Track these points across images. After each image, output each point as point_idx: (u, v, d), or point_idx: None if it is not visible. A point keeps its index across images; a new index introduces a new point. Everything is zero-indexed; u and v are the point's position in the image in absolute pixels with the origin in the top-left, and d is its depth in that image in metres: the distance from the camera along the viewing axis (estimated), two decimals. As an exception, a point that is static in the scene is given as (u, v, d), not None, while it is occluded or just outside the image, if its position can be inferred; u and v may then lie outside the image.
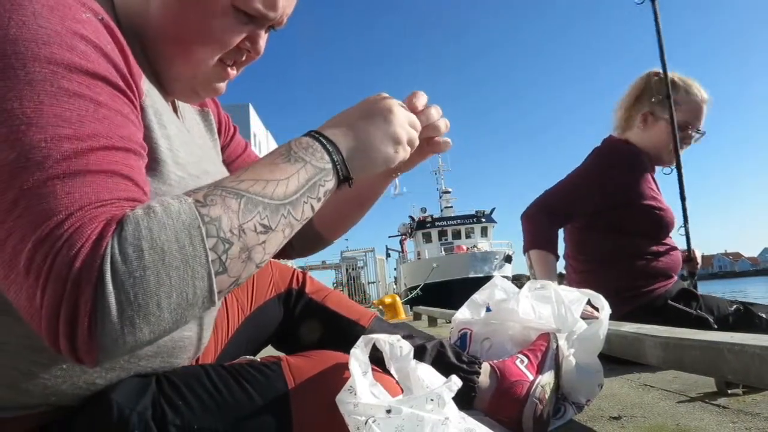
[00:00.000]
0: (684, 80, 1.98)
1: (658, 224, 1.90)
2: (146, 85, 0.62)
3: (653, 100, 1.95)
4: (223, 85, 0.73)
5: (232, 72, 0.72)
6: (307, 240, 0.94)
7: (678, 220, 2.00)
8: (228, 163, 0.94)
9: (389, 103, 0.67)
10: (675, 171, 2.03)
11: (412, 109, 0.72)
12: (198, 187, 0.53)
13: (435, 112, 0.75)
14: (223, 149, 0.94)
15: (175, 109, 0.78)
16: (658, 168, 2.03)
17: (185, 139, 0.69)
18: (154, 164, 0.60)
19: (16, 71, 0.47)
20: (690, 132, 1.96)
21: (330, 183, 0.60)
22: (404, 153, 0.68)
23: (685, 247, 2.06)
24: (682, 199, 2.06)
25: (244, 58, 0.72)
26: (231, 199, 0.51)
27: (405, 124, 0.68)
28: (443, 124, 0.77)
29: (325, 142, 0.61)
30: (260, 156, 1.00)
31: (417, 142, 0.70)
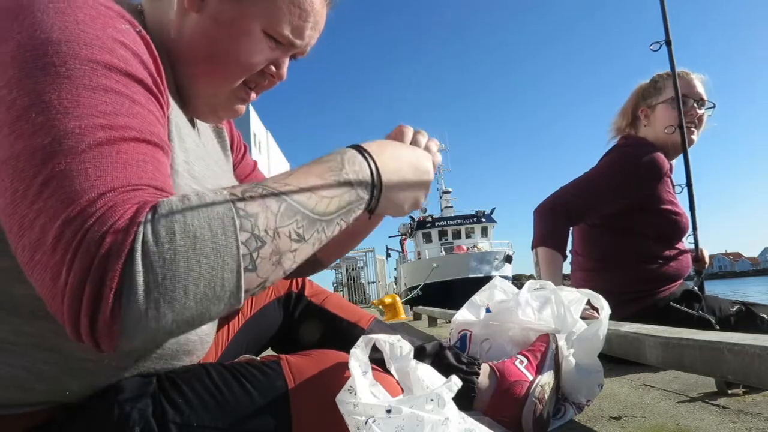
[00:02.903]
0: (666, 71, 2.00)
1: (672, 229, 1.89)
2: (170, 99, 0.64)
3: (646, 96, 1.99)
4: (242, 108, 0.76)
5: (252, 95, 0.75)
6: (307, 263, 0.94)
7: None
8: (240, 179, 0.96)
9: (430, 164, 0.72)
10: (685, 189, 2.04)
11: (419, 145, 0.75)
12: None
13: (423, 139, 0.77)
14: (235, 167, 0.96)
15: (193, 126, 0.80)
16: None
17: (201, 154, 0.71)
18: (172, 175, 0.60)
19: (57, 68, 0.48)
20: (692, 104, 1.94)
21: (360, 212, 0.61)
22: (413, 208, 0.71)
23: (691, 244, 2.06)
24: (689, 184, 2.05)
25: (266, 83, 0.75)
26: (272, 200, 0.51)
27: (428, 184, 0.71)
28: (433, 145, 0.79)
29: (375, 177, 0.62)
30: (262, 171, 1.02)
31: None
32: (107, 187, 0.45)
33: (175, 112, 0.65)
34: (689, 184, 2.03)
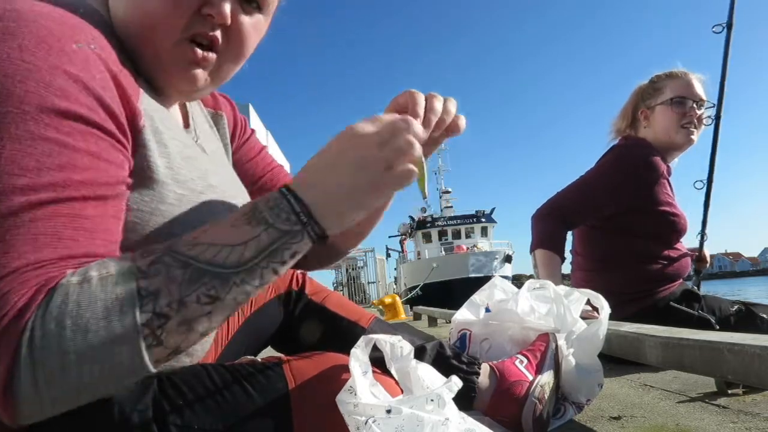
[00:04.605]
0: (665, 71, 2.01)
1: (671, 230, 1.89)
2: (144, 103, 0.61)
3: (645, 98, 1.99)
4: (200, 73, 0.66)
5: (205, 53, 0.65)
6: (323, 255, 0.93)
7: (690, 226, 2.00)
8: (241, 164, 0.93)
9: (360, 139, 0.57)
10: (705, 186, 2.06)
11: (413, 114, 0.64)
12: (149, 249, 0.51)
13: (438, 104, 0.67)
14: (236, 151, 0.94)
15: (186, 117, 0.78)
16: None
17: (189, 154, 0.68)
18: (151, 185, 0.60)
19: None
20: (692, 105, 1.94)
21: (299, 245, 0.55)
22: (396, 185, 0.57)
23: (696, 246, 2.07)
24: (708, 190, 2.07)
25: (217, 34, 0.65)
26: (176, 269, 0.49)
27: (386, 155, 0.56)
28: (452, 106, 0.69)
29: (293, 201, 0.55)
30: (274, 159, 1.00)
31: (415, 151, 0.58)
32: (9, 268, 0.45)
33: (153, 115, 0.62)
34: (708, 188, 2.05)
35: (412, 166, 0.57)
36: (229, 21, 0.64)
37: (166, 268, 0.49)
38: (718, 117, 1.96)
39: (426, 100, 0.66)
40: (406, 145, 0.57)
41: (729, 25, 2.04)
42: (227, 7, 0.63)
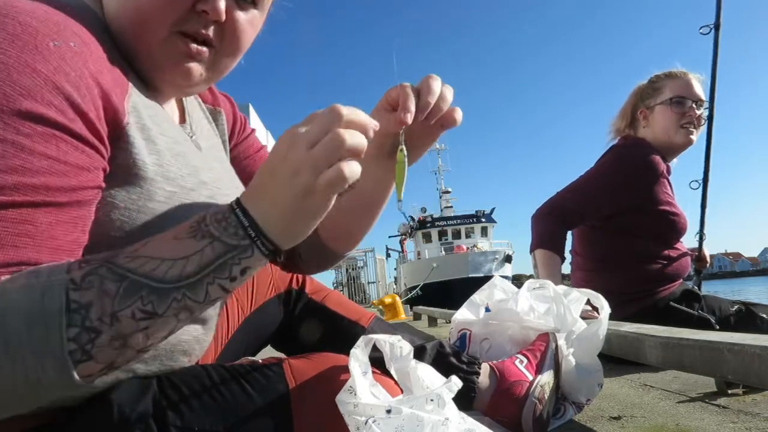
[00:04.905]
0: (664, 71, 2.02)
1: (671, 229, 1.89)
2: (132, 100, 0.60)
3: (644, 98, 1.99)
4: (193, 66, 0.65)
5: (198, 47, 0.64)
6: (320, 257, 0.91)
7: (689, 226, 2.00)
8: (239, 161, 0.92)
9: (292, 141, 0.52)
10: (701, 185, 2.06)
11: (404, 109, 0.62)
12: (97, 256, 0.50)
13: (436, 85, 0.64)
14: (234, 148, 0.93)
15: (183, 112, 0.78)
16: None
17: (181, 150, 0.66)
18: (139, 182, 0.59)
19: None
20: (691, 105, 1.94)
21: (250, 260, 0.52)
22: (328, 189, 0.51)
23: (695, 246, 2.07)
24: (704, 188, 2.07)
25: (209, 32, 0.64)
26: (110, 282, 0.47)
27: (314, 155, 0.50)
28: (449, 92, 0.66)
29: (240, 214, 0.52)
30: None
31: (347, 148, 0.51)
32: None
33: (142, 112, 0.61)
34: (705, 179, 2.05)
35: (345, 166, 0.50)
36: (223, 17, 0.63)
37: (100, 281, 0.47)
38: (711, 117, 1.96)
39: (422, 81, 0.64)
40: (333, 141, 0.50)
41: (717, 26, 2.04)
42: (222, 4, 0.62)
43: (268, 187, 0.52)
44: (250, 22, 0.68)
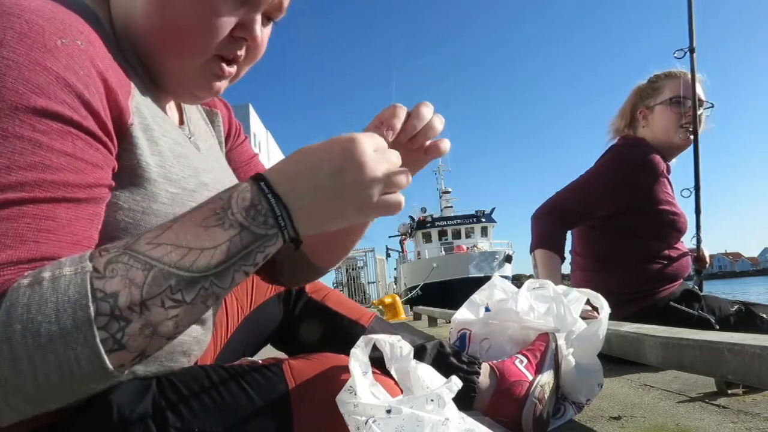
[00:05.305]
0: (663, 71, 2.01)
1: (671, 229, 1.89)
2: (135, 101, 0.60)
3: (644, 98, 1.99)
4: (221, 84, 0.68)
5: (230, 69, 0.67)
6: (304, 272, 0.89)
7: (691, 227, 2.00)
8: (232, 167, 0.90)
9: (360, 157, 0.54)
10: (693, 194, 2.06)
11: (388, 125, 0.63)
12: (108, 246, 0.50)
13: (426, 111, 0.66)
14: (227, 154, 0.92)
15: (181, 112, 0.78)
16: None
17: (183, 151, 0.67)
18: (143, 183, 0.59)
19: None
20: (690, 104, 1.94)
21: (272, 247, 0.53)
22: (379, 211, 0.56)
23: (694, 246, 2.07)
24: (697, 187, 2.06)
25: (242, 52, 0.66)
26: (136, 270, 0.47)
27: (379, 178, 0.54)
28: (439, 122, 0.68)
29: (274, 203, 0.52)
30: (265, 164, 0.97)
31: (403, 181, 0.56)
32: None
33: (145, 112, 0.61)
34: (697, 187, 2.04)
35: (402, 197, 0.57)
36: (260, 42, 0.67)
37: (125, 269, 0.47)
38: (695, 131, 1.94)
39: (415, 106, 0.66)
40: (404, 174, 0.56)
41: (691, 50, 2.04)
42: (260, 32, 0.65)
43: (317, 183, 0.53)
44: (268, 36, 0.70)
